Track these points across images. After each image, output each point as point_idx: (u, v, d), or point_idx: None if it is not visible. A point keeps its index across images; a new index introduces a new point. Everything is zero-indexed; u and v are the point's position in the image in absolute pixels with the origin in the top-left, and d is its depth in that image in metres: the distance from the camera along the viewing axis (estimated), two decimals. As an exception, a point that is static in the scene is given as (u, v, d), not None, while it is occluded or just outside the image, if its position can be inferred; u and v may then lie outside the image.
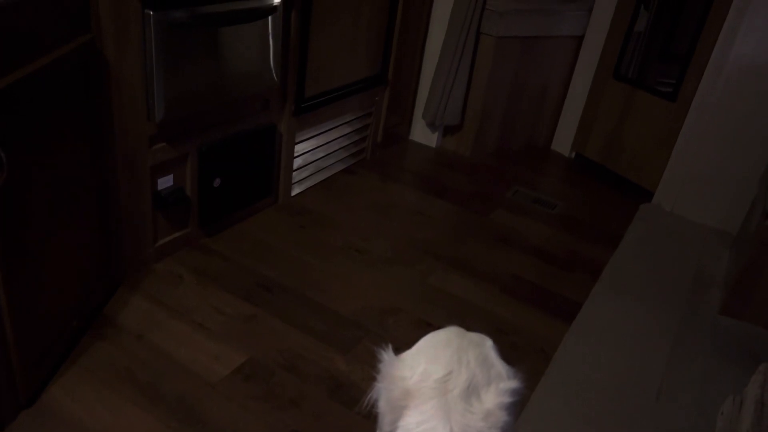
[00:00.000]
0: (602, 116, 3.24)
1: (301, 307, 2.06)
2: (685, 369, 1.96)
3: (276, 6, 2.11)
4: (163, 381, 1.70)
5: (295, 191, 2.69)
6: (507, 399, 1.00)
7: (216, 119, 2.14)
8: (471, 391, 0.99)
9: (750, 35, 2.51)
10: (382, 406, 1.05)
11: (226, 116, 2.18)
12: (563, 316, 2.16)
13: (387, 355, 1.04)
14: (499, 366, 1.05)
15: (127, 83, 1.77)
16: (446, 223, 2.69)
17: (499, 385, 1.01)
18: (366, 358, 1.87)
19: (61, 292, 1.67)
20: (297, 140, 2.59)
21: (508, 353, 1.98)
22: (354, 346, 1.91)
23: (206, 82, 1.99)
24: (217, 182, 2.21)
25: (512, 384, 1.02)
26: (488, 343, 1.09)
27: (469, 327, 2.12)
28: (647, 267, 2.52)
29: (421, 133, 3.38)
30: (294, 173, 2.65)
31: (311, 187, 2.78)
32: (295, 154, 2.61)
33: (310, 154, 2.72)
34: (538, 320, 2.14)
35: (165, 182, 2.04)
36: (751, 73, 2.56)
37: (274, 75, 2.24)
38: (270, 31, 2.14)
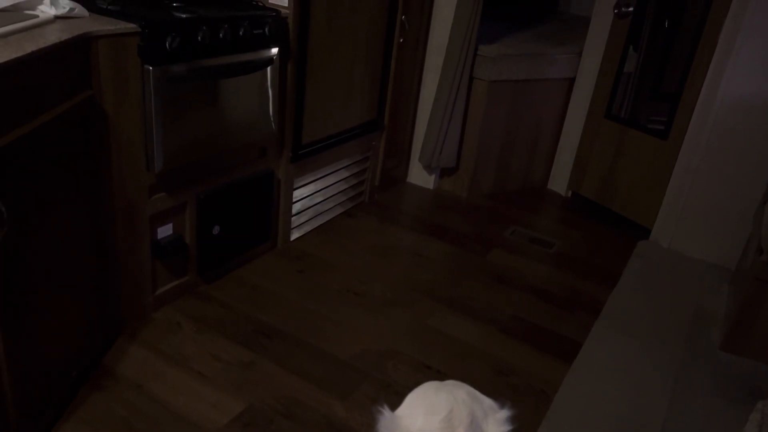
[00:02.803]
0: (596, 155, 3.28)
1: (300, 352, 2.05)
2: (687, 407, 1.94)
3: (273, 58, 2.18)
4: (160, 431, 1.69)
5: (294, 236, 2.72)
6: (507, 428, 1.06)
7: (214, 168, 2.18)
8: (475, 426, 1.02)
9: (736, 74, 2.58)
10: None
11: (224, 164, 2.22)
12: (563, 356, 2.15)
13: (386, 413, 1.07)
14: (488, 400, 1.11)
15: (126, 135, 1.82)
16: (445, 264, 2.70)
17: (495, 416, 1.07)
18: (365, 404, 1.86)
19: (60, 343, 1.68)
20: (295, 186, 2.63)
21: (508, 395, 1.98)
22: (353, 392, 1.91)
23: (205, 133, 2.04)
24: (215, 230, 2.24)
25: (505, 413, 1.09)
26: (466, 385, 1.14)
27: (468, 369, 2.12)
28: (646, 304, 2.51)
29: (419, 176, 3.42)
30: (293, 218, 2.68)
31: (310, 231, 2.80)
32: (294, 200, 2.65)
33: (309, 198, 2.76)
34: (538, 361, 2.13)
35: (164, 231, 2.07)
36: (739, 111, 2.61)
37: (272, 123, 2.30)
38: (268, 81, 2.20)
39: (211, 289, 2.32)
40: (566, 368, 2.08)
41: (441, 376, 1.95)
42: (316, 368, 1.99)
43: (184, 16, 1.89)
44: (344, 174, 2.94)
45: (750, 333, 2.17)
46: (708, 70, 2.69)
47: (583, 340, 2.23)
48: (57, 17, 1.65)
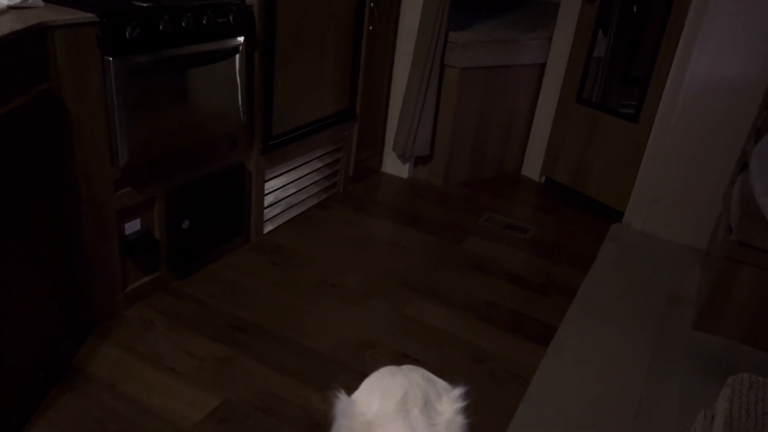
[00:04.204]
0: (569, 140, 3.30)
1: (276, 346, 2.03)
2: (662, 387, 1.97)
3: (239, 47, 2.14)
4: (135, 431, 1.66)
5: (268, 228, 2.68)
6: (460, 404, 1.13)
7: (183, 161, 2.14)
8: (429, 406, 1.08)
9: (703, 56, 2.60)
10: None
11: (193, 157, 2.17)
12: (540, 341, 2.16)
13: (342, 397, 1.12)
14: (442, 382, 1.18)
15: (89, 130, 1.76)
16: (421, 253, 2.69)
17: (449, 395, 1.14)
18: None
19: (26, 345, 1.63)
20: (267, 177, 2.59)
21: (486, 381, 1.98)
22: (330, 383, 1.89)
23: (170, 125, 1.99)
24: (186, 224, 2.20)
25: (458, 391, 1.16)
26: (422, 369, 1.21)
27: (446, 357, 2.11)
28: (620, 287, 2.54)
29: (393, 165, 3.40)
30: (265, 210, 2.64)
31: (284, 223, 2.77)
32: (266, 192, 2.61)
33: (281, 190, 2.72)
34: (515, 346, 2.14)
35: (132, 227, 2.02)
36: (707, 93, 2.64)
37: (241, 114, 2.26)
38: (235, 71, 2.16)
39: (184, 285, 2.28)
40: (543, 352, 2.09)
41: (418, 364, 1.94)
42: (293, 362, 1.97)
43: (144, 5, 1.84)
44: (317, 165, 2.91)
45: (721, 312, 2.20)
46: (675, 54, 2.71)
47: (559, 324, 2.24)
48: (10, 7, 1.59)
